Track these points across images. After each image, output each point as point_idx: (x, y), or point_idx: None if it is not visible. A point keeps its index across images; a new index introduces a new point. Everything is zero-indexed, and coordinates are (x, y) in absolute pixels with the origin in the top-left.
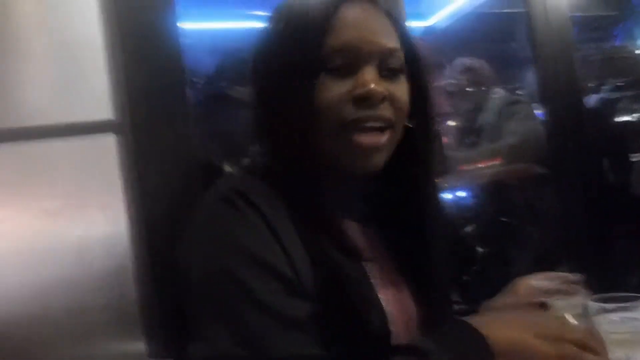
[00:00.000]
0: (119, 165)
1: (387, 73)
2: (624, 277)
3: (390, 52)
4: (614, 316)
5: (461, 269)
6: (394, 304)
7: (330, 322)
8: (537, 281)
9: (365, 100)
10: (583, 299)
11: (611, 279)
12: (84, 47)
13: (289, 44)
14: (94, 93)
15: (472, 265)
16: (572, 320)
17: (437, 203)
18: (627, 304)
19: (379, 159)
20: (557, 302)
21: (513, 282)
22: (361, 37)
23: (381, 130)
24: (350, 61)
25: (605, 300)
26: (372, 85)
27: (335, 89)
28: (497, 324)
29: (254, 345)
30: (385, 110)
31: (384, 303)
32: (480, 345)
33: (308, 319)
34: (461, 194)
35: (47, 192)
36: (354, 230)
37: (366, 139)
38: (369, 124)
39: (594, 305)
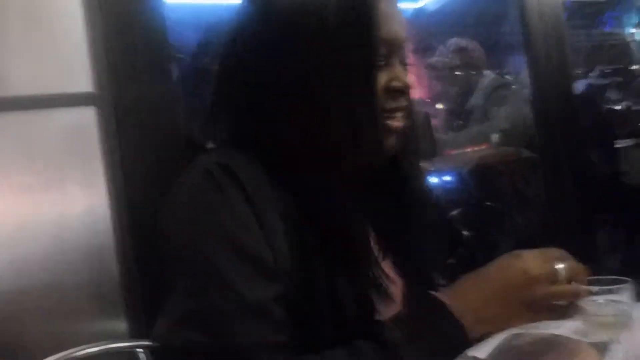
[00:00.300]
0: (100, 139)
1: (403, 64)
2: (608, 262)
3: (405, 43)
4: (599, 299)
5: (447, 251)
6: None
7: (310, 301)
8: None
9: (401, 92)
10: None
11: (596, 264)
12: (63, 18)
13: (340, 36)
14: (74, 65)
15: (458, 248)
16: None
17: (420, 182)
18: (612, 287)
19: (401, 142)
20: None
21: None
22: (398, 30)
23: (404, 116)
24: (386, 53)
25: (590, 284)
26: (406, 79)
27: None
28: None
29: (212, 327)
30: (407, 99)
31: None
32: (453, 328)
33: (276, 302)
34: (449, 177)
35: (25, 165)
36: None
37: (397, 124)
38: (399, 113)
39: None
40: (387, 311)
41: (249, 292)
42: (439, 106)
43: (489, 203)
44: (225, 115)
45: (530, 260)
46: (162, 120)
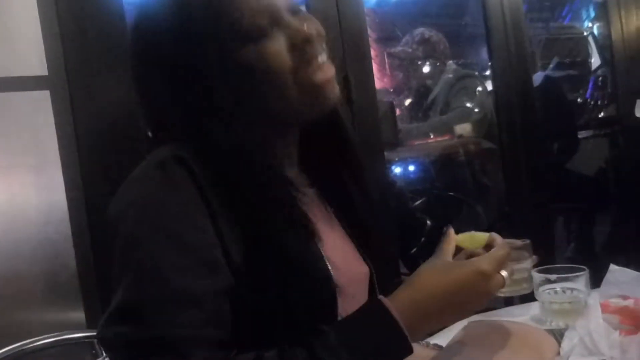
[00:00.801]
0: (54, 123)
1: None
2: (565, 250)
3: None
4: (556, 287)
5: (409, 241)
6: (340, 262)
7: (258, 297)
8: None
9: (308, 41)
10: (529, 264)
11: (552, 252)
12: (17, 2)
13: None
14: (28, 48)
15: (420, 237)
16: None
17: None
18: (569, 275)
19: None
20: (507, 266)
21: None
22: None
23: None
24: (269, 21)
25: (547, 272)
26: (307, 28)
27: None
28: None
29: (143, 320)
30: (320, 45)
31: (330, 264)
32: (384, 323)
33: (215, 296)
34: (412, 167)
35: None
36: (301, 192)
37: (322, 72)
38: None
39: (537, 276)
40: (346, 305)
41: (184, 284)
42: (403, 96)
43: (451, 193)
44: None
45: (483, 261)
46: (117, 105)
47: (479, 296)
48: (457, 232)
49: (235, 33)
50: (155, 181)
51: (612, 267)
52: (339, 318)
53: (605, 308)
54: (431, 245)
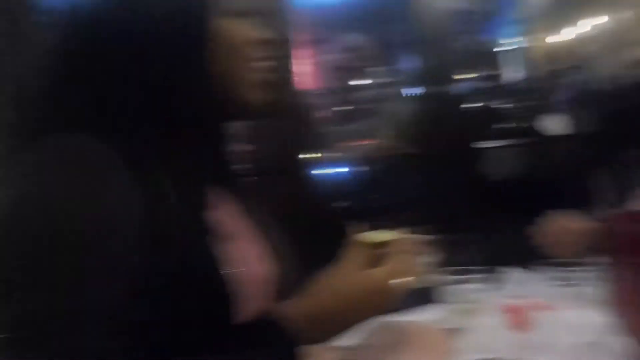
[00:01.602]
0: None
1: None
2: (471, 252)
3: None
4: (459, 287)
5: (333, 244)
6: (247, 264)
7: (165, 286)
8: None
9: (264, 44)
10: (431, 257)
11: (460, 254)
12: None
13: None
14: None
15: (341, 238)
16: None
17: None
18: (467, 277)
19: (274, 98)
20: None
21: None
22: None
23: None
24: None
25: (452, 273)
26: (261, 32)
27: None
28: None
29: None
30: (271, 51)
31: (232, 264)
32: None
33: (112, 301)
34: (337, 170)
35: None
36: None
37: (264, 75)
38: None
39: (441, 277)
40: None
41: (80, 289)
42: (331, 99)
43: (376, 196)
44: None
45: (378, 277)
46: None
47: (373, 309)
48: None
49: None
50: (54, 169)
51: (510, 268)
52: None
53: (500, 307)
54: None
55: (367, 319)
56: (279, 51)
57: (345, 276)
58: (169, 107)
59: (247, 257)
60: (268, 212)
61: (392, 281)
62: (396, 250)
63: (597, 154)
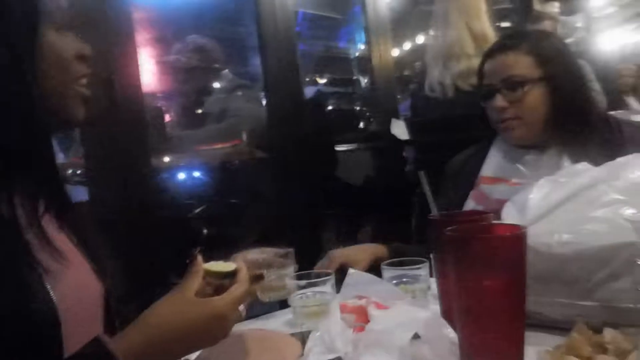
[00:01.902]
0: None
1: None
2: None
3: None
4: (307, 292)
5: (185, 250)
6: (68, 287)
7: None
8: (253, 255)
9: (84, 59)
10: (291, 271)
11: (318, 254)
12: None
13: None
14: None
15: (197, 246)
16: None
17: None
18: (317, 280)
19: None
20: (271, 273)
21: (232, 257)
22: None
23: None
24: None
25: (299, 278)
26: (84, 47)
27: None
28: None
29: None
30: (89, 66)
31: (51, 289)
32: None
33: None
34: (188, 174)
35: None
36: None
37: (84, 90)
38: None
39: (289, 282)
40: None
41: None
42: (175, 102)
43: (233, 200)
44: None
45: (221, 303)
46: None
47: (214, 336)
48: (237, 240)
49: None
50: None
51: (350, 270)
52: (65, 347)
53: (343, 308)
54: (208, 253)
55: (204, 346)
56: (101, 64)
57: (186, 304)
58: None
59: (77, 279)
60: (100, 229)
61: (231, 308)
62: (238, 279)
63: (427, 160)
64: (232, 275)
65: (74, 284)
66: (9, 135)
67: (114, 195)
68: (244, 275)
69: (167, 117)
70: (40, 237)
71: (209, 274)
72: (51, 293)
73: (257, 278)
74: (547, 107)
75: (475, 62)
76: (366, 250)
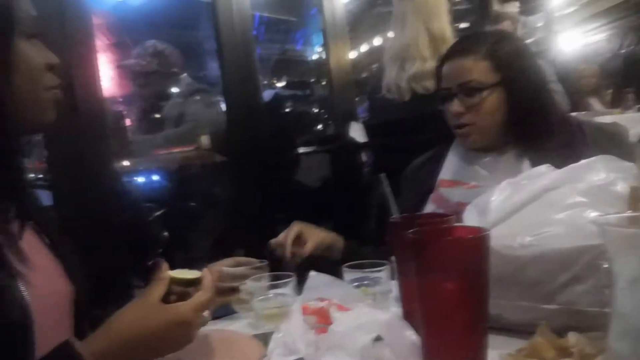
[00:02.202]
0: None
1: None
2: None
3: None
4: (269, 294)
5: (145, 253)
6: (39, 288)
7: None
8: (228, 267)
9: (55, 68)
10: (266, 282)
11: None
12: None
13: None
14: None
15: (157, 249)
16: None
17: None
18: (278, 282)
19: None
20: (247, 286)
21: (207, 266)
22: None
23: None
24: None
25: (259, 280)
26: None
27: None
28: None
29: None
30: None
31: (25, 290)
32: None
33: None
34: (147, 178)
35: None
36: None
37: (56, 97)
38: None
39: (252, 285)
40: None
41: None
42: (134, 107)
43: (192, 204)
44: None
45: (185, 309)
46: None
47: (178, 342)
48: (194, 242)
49: None
50: None
51: (312, 272)
52: (36, 348)
53: (305, 310)
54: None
55: (169, 352)
56: (66, 72)
57: (150, 309)
58: None
59: (48, 281)
60: (63, 233)
61: (195, 314)
62: (203, 286)
63: (385, 162)
64: (196, 282)
65: (45, 286)
66: None
67: (76, 199)
68: (208, 282)
69: (127, 122)
70: (9, 241)
71: (174, 281)
72: (25, 295)
73: (232, 290)
74: (505, 111)
75: (431, 64)
76: (324, 232)
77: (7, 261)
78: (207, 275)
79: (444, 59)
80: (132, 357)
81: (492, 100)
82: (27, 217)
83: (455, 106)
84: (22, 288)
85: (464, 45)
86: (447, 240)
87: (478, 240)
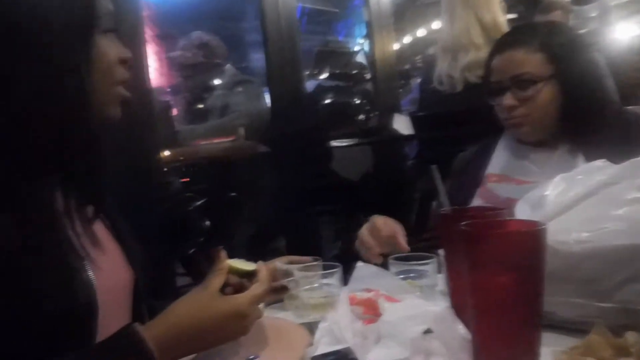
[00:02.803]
0: None
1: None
2: (326, 248)
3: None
4: (314, 283)
5: (187, 241)
6: (105, 272)
7: (26, 298)
8: (281, 264)
9: (126, 62)
10: (319, 278)
11: (320, 249)
12: None
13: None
14: None
15: (198, 238)
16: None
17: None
18: (324, 272)
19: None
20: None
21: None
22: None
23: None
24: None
25: (306, 269)
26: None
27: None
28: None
29: None
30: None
31: (92, 274)
32: (134, 352)
33: None
34: (193, 168)
35: None
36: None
37: (125, 92)
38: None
39: (297, 274)
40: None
41: None
42: (181, 97)
43: (232, 194)
44: None
45: (243, 301)
46: None
47: (234, 333)
48: (236, 232)
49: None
50: None
51: (359, 263)
52: (98, 330)
53: (352, 300)
54: (209, 245)
55: (223, 342)
56: (134, 66)
57: (211, 300)
58: (42, 122)
59: (112, 265)
60: (126, 219)
61: (252, 307)
62: (259, 279)
63: (432, 155)
64: (252, 275)
65: (110, 270)
66: (66, 134)
67: (123, 188)
68: (264, 275)
69: (174, 112)
70: (84, 224)
71: (231, 270)
72: (92, 278)
73: (281, 289)
74: (558, 105)
75: (484, 53)
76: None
77: (79, 243)
78: (262, 268)
79: (494, 52)
80: (190, 345)
81: (545, 94)
82: (102, 203)
83: (508, 99)
84: (90, 272)
85: (516, 36)
86: (502, 232)
87: (535, 233)
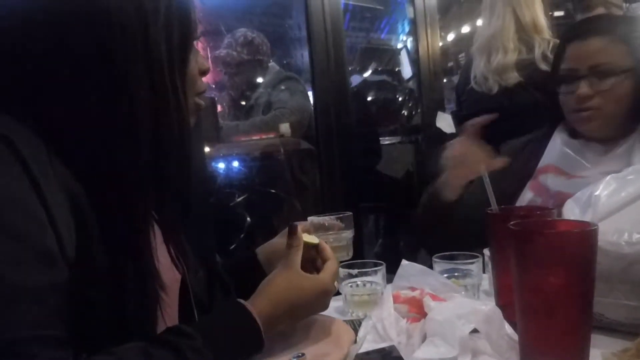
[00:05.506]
0: None
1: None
2: (374, 246)
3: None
4: (357, 281)
5: (229, 236)
6: (162, 263)
7: (92, 291)
8: (315, 218)
9: (205, 74)
10: (350, 233)
11: (362, 247)
12: None
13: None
14: None
15: (240, 233)
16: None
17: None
18: (368, 270)
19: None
20: (329, 236)
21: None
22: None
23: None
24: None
25: (350, 267)
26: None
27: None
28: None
29: None
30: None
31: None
32: (248, 328)
33: (53, 290)
34: (235, 164)
35: None
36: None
37: (202, 102)
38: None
39: (340, 270)
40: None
41: (19, 277)
42: (225, 93)
43: (272, 190)
44: None
45: (328, 279)
46: None
47: (320, 307)
48: (278, 229)
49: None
50: None
51: (403, 262)
52: (159, 320)
53: (396, 299)
54: (250, 240)
55: (309, 315)
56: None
57: (301, 279)
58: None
59: (165, 258)
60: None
61: (333, 283)
62: (328, 255)
63: None
64: (317, 247)
65: (164, 262)
66: (166, 151)
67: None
68: (329, 250)
69: (218, 108)
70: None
71: (305, 244)
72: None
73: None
74: (631, 100)
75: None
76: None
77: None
78: (324, 244)
79: (569, 39)
80: (284, 322)
81: (623, 87)
82: (187, 217)
83: (584, 88)
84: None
85: (597, 25)
86: (554, 232)
87: (586, 234)
